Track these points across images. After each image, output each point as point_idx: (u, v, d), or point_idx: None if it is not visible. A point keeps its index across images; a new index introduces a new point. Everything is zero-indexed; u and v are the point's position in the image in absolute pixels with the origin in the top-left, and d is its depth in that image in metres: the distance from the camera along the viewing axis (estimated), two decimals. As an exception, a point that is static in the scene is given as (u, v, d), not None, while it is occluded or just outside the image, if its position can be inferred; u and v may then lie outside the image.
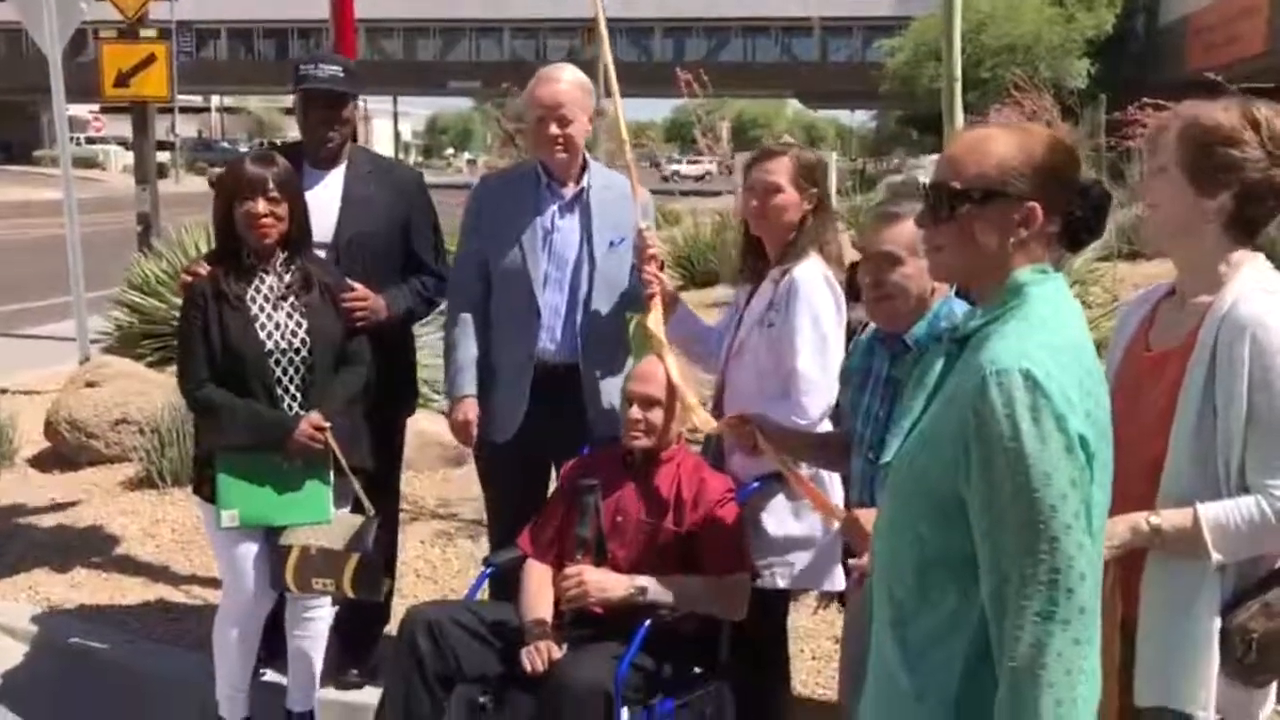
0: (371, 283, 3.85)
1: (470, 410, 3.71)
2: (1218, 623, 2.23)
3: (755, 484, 3.34)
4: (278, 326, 3.57)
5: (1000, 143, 1.92)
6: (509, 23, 64.73)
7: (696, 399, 3.39)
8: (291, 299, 3.61)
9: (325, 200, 3.91)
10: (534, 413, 3.70)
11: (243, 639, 3.68)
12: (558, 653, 3.13)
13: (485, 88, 45.60)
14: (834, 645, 4.13)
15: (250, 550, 3.59)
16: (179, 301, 3.88)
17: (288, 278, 3.62)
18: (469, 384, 3.73)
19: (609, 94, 4.17)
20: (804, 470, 3.20)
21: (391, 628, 3.94)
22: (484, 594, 3.65)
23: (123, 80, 9.51)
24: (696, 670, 3.28)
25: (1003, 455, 1.75)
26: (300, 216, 3.63)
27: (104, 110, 55.48)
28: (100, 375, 6.92)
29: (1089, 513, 1.77)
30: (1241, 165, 2.24)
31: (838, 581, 3.38)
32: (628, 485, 3.34)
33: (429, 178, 4.69)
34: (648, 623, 3.11)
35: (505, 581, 3.53)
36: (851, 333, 3.33)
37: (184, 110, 62.59)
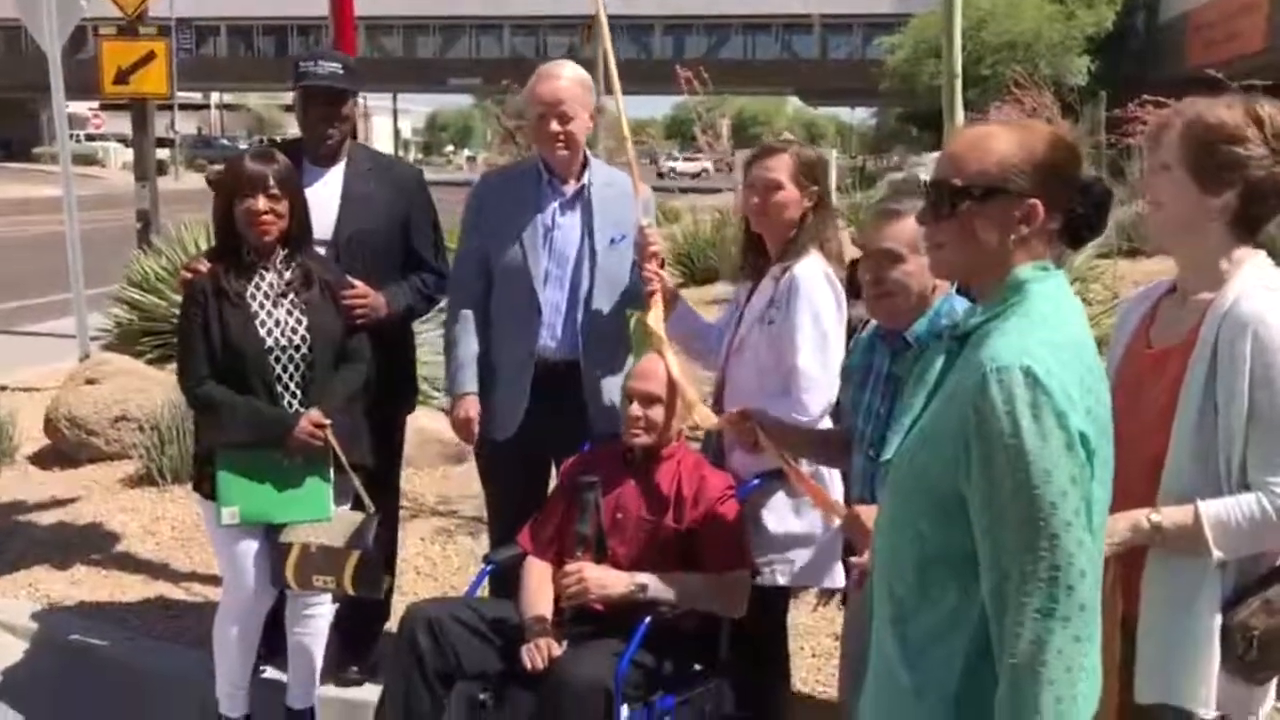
0: (371, 280, 3.85)
1: (471, 407, 3.71)
2: (1219, 620, 2.23)
3: (755, 481, 3.34)
4: (278, 324, 3.57)
5: (1001, 140, 1.93)
6: (509, 19, 64.71)
7: (697, 395, 3.39)
8: (291, 296, 3.60)
9: (325, 197, 3.91)
10: (534, 410, 3.70)
11: (243, 636, 3.68)
12: (558, 650, 3.13)
13: (485, 85, 45.65)
14: (834, 642, 4.13)
15: (250, 547, 3.59)
16: (179, 299, 3.88)
17: (288, 275, 3.62)
18: (470, 381, 3.73)
19: (609, 91, 4.17)
20: (804, 467, 3.19)
21: (392, 625, 3.95)
22: (484, 591, 3.65)
23: (122, 77, 9.51)
24: (696, 667, 3.28)
25: (1003, 452, 1.76)
26: (300, 213, 3.63)
27: (103, 107, 55.42)
28: (100, 372, 6.92)
29: (1089, 510, 1.77)
30: (1245, 163, 2.24)
31: (838, 579, 3.38)
32: (628, 482, 3.33)
33: (429, 175, 4.69)
34: (648, 620, 3.11)
35: (505, 579, 3.53)
36: (852, 330, 3.33)
37: (184, 107, 62.58)
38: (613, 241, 3.73)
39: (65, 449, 6.65)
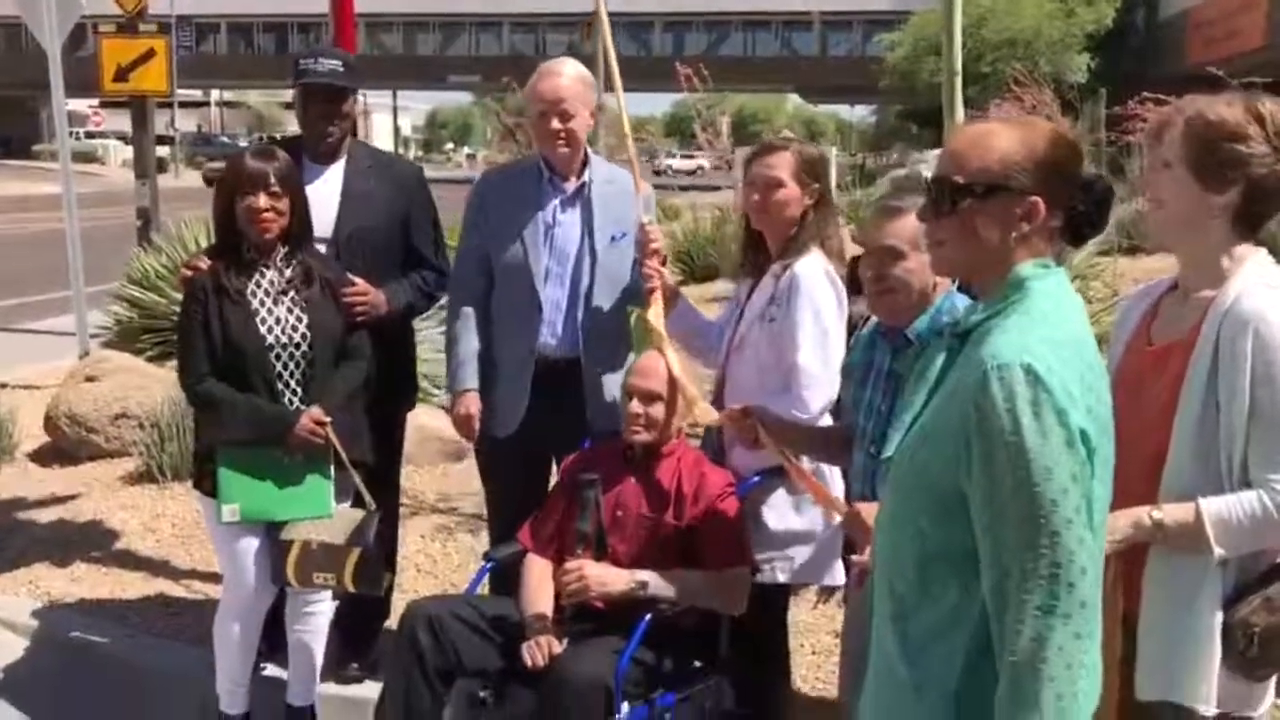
0: (371, 278, 3.85)
1: (472, 404, 3.72)
2: (1220, 617, 2.23)
3: (756, 478, 3.34)
4: (278, 321, 3.57)
5: (1003, 137, 1.92)
6: (508, 17, 64.70)
7: (698, 392, 3.39)
8: (292, 294, 3.60)
9: (325, 195, 3.91)
10: (535, 407, 3.70)
11: (243, 634, 3.68)
12: (558, 647, 3.13)
13: (485, 82, 45.57)
14: (834, 640, 4.13)
15: (251, 545, 3.59)
16: (179, 296, 3.88)
17: (288, 272, 3.62)
18: (471, 378, 3.73)
19: (610, 88, 4.17)
20: (805, 464, 3.19)
21: (392, 622, 3.95)
22: (484, 588, 3.65)
23: (122, 75, 9.51)
24: (697, 664, 3.28)
25: (1004, 450, 1.76)
26: (301, 211, 3.63)
27: (103, 105, 55.46)
28: (100, 370, 6.92)
29: (1090, 507, 1.77)
30: (1247, 160, 2.24)
31: (838, 576, 3.38)
32: (628, 480, 3.33)
33: (429, 172, 4.69)
34: (648, 617, 3.11)
35: (505, 576, 3.53)
36: (853, 327, 3.33)
37: (183, 105, 62.56)
38: (613, 239, 3.73)
39: (65, 446, 6.65)
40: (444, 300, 4.12)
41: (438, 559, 5.12)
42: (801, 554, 3.35)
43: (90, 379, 6.82)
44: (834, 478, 3.32)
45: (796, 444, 3.15)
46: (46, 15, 8.51)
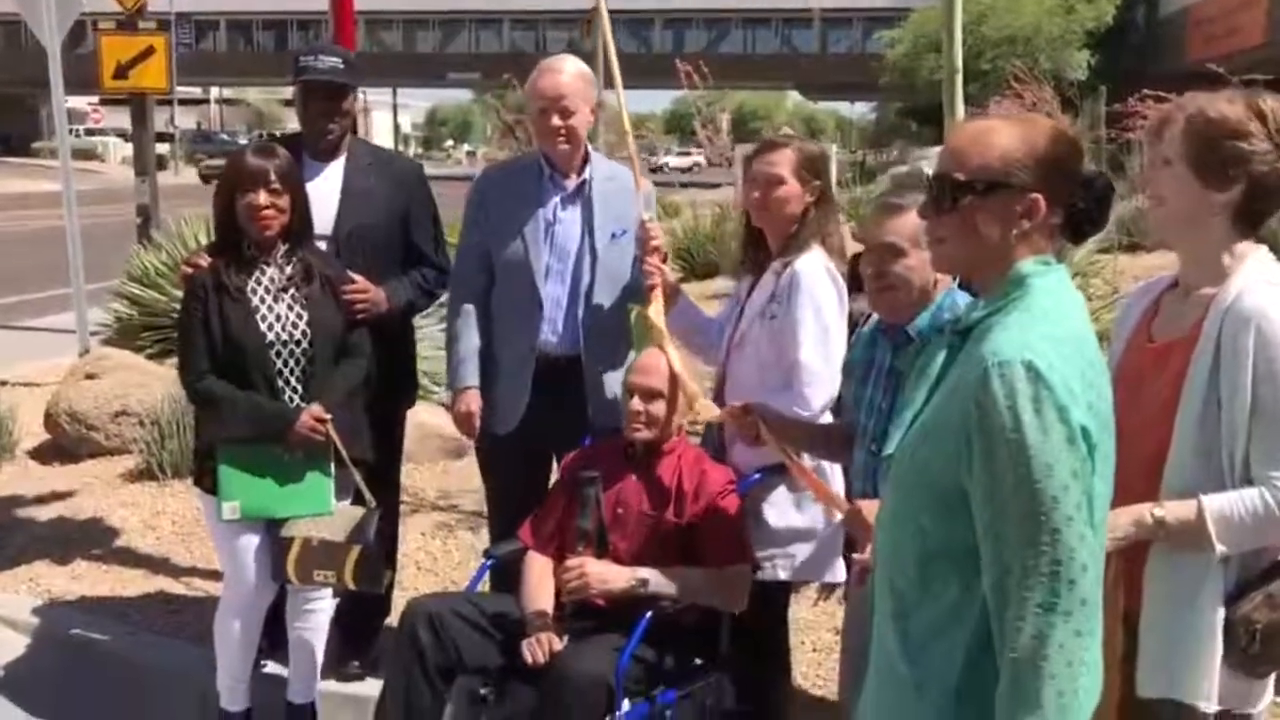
0: (372, 275, 3.85)
1: (473, 401, 3.72)
2: (1221, 614, 2.23)
3: (756, 476, 3.34)
4: (278, 318, 3.57)
5: (1003, 134, 1.92)
6: (508, 14, 64.68)
7: (698, 389, 3.39)
8: (292, 291, 3.60)
9: (325, 192, 3.91)
10: (535, 404, 3.70)
11: (244, 631, 3.68)
12: (559, 644, 3.13)
13: (485, 79, 45.53)
14: (834, 637, 4.13)
15: (251, 542, 3.59)
16: (179, 293, 3.89)
17: (289, 269, 3.62)
18: (471, 375, 3.73)
19: (610, 85, 4.16)
20: (806, 462, 3.19)
21: (392, 619, 3.95)
22: (485, 586, 3.66)
23: (122, 72, 9.50)
24: (697, 662, 3.28)
25: (1005, 447, 1.76)
26: (301, 208, 3.63)
27: (103, 102, 55.50)
28: (100, 367, 6.92)
29: (1091, 504, 1.77)
30: (1249, 158, 2.24)
31: (839, 573, 3.38)
32: (629, 477, 3.33)
33: (428, 169, 4.69)
34: (649, 614, 3.11)
35: (506, 573, 3.53)
36: (853, 324, 3.33)
37: (183, 102, 62.61)
38: (614, 236, 3.73)
39: (65, 444, 6.65)
40: (444, 297, 4.11)
41: (438, 556, 5.12)
42: (802, 551, 3.35)
43: (90, 376, 6.82)
44: (835, 475, 3.32)
45: (797, 441, 3.15)
46: (46, 13, 8.50)
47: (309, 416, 3.52)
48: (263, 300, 3.57)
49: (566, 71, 3.69)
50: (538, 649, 3.11)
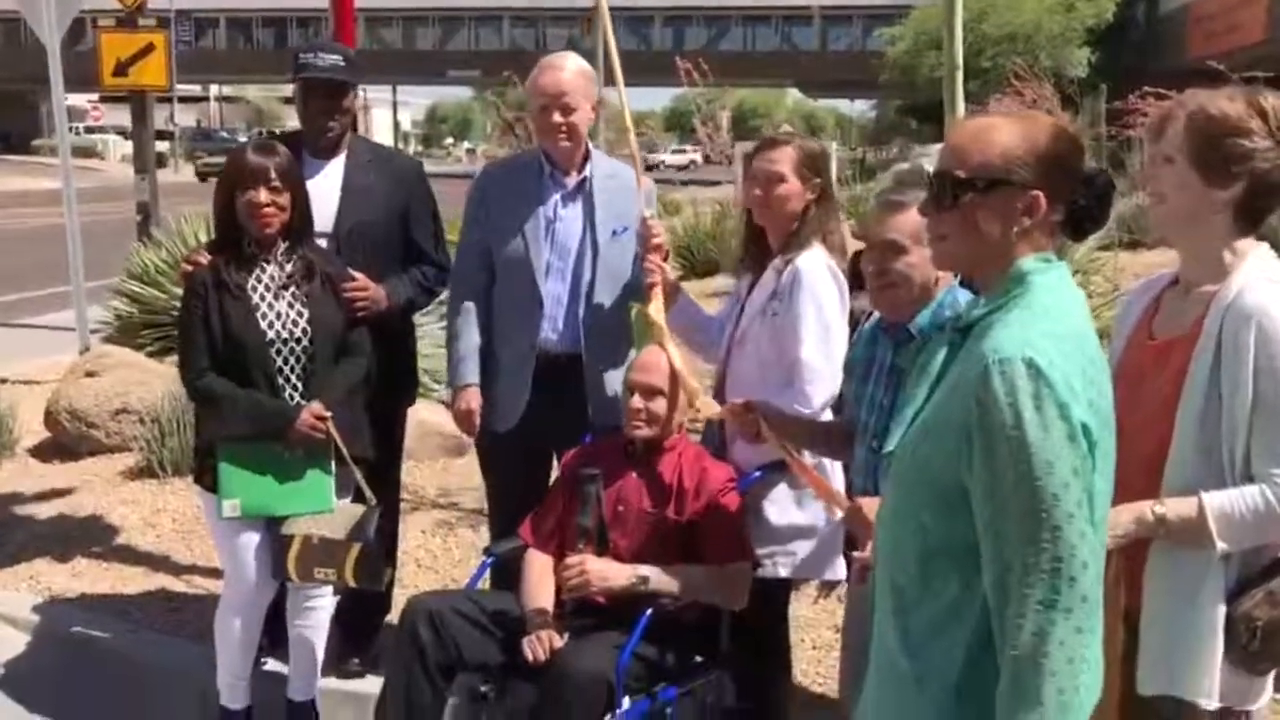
0: (372, 272, 3.85)
1: (473, 399, 3.72)
2: (1222, 611, 2.23)
3: (757, 473, 3.34)
4: (279, 316, 3.57)
5: (1004, 131, 1.92)
6: (508, 11, 64.66)
7: (699, 386, 3.39)
8: (293, 288, 3.60)
9: (325, 190, 3.91)
10: (536, 402, 3.70)
11: (244, 628, 3.68)
12: (559, 642, 3.13)
13: (484, 77, 45.57)
14: (835, 635, 4.13)
15: (252, 540, 3.59)
16: (179, 291, 3.89)
17: (289, 267, 3.62)
18: (471, 373, 3.73)
19: (611, 82, 4.16)
20: (807, 459, 3.19)
21: (393, 617, 3.95)
22: (485, 583, 3.66)
23: (121, 69, 9.50)
24: (698, 659, 3.28)
25: (1005, 444, 1.76)
26: (302, 206, 3.63)
27: (103, 99, 55.48)
28: (100, 365, 6.92)
29: (1091, 501, 1.77)
30: (1251, 155, 2.24)
31: (839, 571, 3.38)
32: (629, 474, 3.33)
33: (428, 167, 4.69)
34: (649, 612, 3.11)
35: (506, 571, 3.53)
36: (854, 322, 3.33)
37: (183, 99, 62.58)
38: (614, 234, 3.73)
39: (66, 442, 6.65)
40: (444, 295, 4.11)
41: (438, 554, 5.12)
42: (803, 549, 3.35)
43: (90, 374, 6.82)
44: (835, 472, 3.32)
45: (798, 439, 3.15)
46: (45, 10, 8.50)
47: (309, 414, 3.52)
48: (263, 298, 3.57)
49: (568, 69, 3.69)
50: (538, 646, 3.11)
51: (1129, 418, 2.05)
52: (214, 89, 74.93)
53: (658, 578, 3.17)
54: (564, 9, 56.36)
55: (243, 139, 33.46)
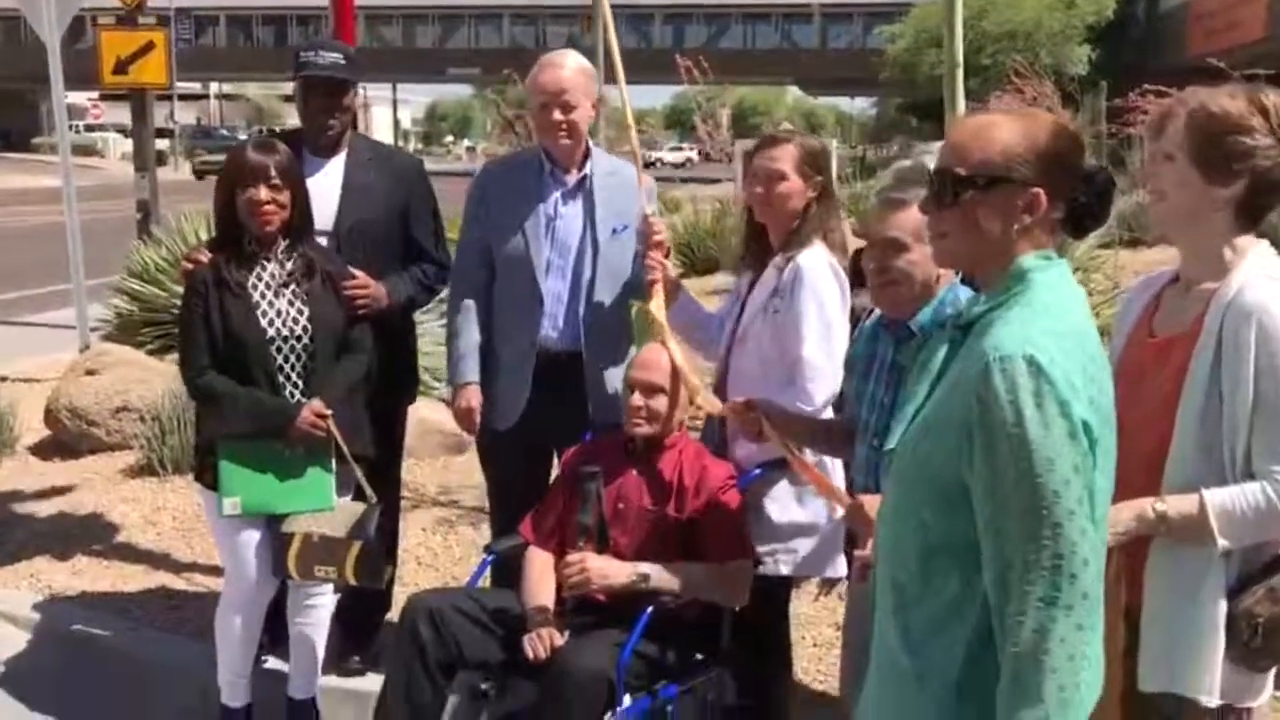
0: (372, 270, 3.85)
1: (473, 397, 3.72)
2: (1223, 608, 2.23)
3: (757, 471, 3.34)
4: (279, 314, 3.57)
5: (1004, 129, 1.92)
6: (508, 9, 64.66)
7: (700, 383, 3.39)
8: (293, 286, 3.60)
9: (326, 188, 3.91)
10: (536, 400, 3.70)
11: (245, 626, 3.68)
12: (560, 640, 3.13)
13: (484, 75, 45.55)
14: (835, 632, 4.13)
15: (252, 538, 3.59)
16: (179, 289, 3.89)
17: (289, 265, 3.62)
18: (471, 371, 3.73)
19: (611, 80, 4.16)
20: (808, 457, 3.19)
21: (393, 615, 3.94)
22: (485, 581, 3.66)
23: (121, 67, 9.50)
24: (698, 657, 3.28)
25: (1006, 441, 1.76)
26: (302, 204, 3.62)
27: (103, 97, 55.44)
28: (100, 363, 6.92)
29: (1092, 499, 1.77)
30: (1251, 152, 2.24)
31: (840, 569, 3.38)
32: (630, 472, 3.33)
33: (428, 165, 4.69)
34: (650, 610, 3.11)
35: (507, 569, 3.53)
36: (855, 319, 3.33)
37: (183, 97, 62.57)
38: (615, 232, 3.73)
39: (66, 440, 6.65)
40: (445, 293, 4.11)
41: (439, 552, 5.12)
42: (804, 546, 3.35)
43: (91, 372, 6.82)
44: (836, 471, 3.32)
45: (799, 437, 3.15)
46: (45, 8, 8.50)
47: (310, 412, 3.52)
48: (263, 296, 3.57)
49: (568, 66, 3.69)
50: (539, 644, 3.11)
51: (1129, 415, 2.05)
52: (214, 87, 74.90)
53: (658, 575, 3.17)
54: (564, 6, 56.37)
55: (243, 137, 33.47)
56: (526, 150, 4.14)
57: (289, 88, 4.15)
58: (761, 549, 3.30)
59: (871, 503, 2.50)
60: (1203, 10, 28.52)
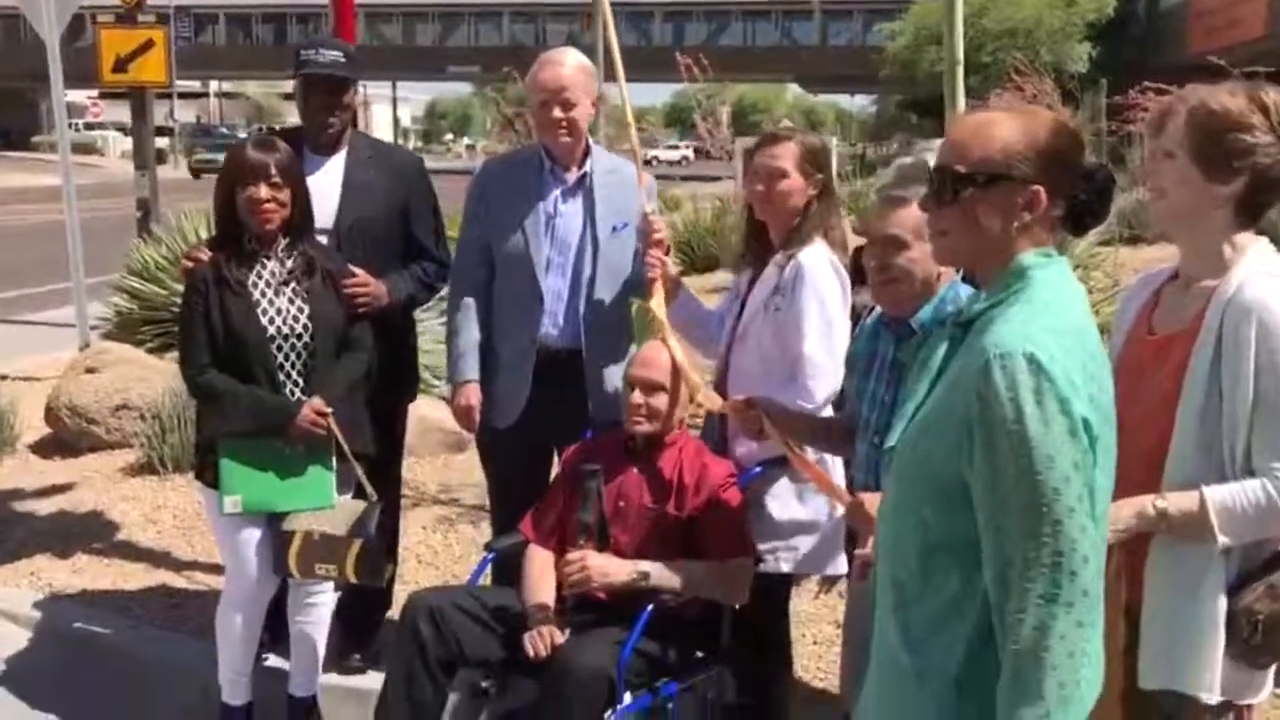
0: (372, 268, 3.85)
1: (473, 395, 3.71)
2: (1223, 605, 2.23)
3: (757, 469, 3.34)
4: (280, 312, 3.57)
5: (1004, 126, 1.92)
6: (508, 7, 64.65)
7: (701, 380, 3.39)
8: (293, 284, 3.60)
9: (326, 186, 3.90)
10: (536, 398, 3.70)
11: (245, 624, 3.68)
12: (560, 638, 3.13)
13: (484, 73, 45.52)
14: (835, 630, 4.14)
15: (253, 536, 3.60)
16: (179, 287, 3.89)
17: (289, 263, 3.62)
18: (471, 369, 3.73)
19: (611, 78, 4.16)
20: (809, 455, 3.19)
21: (394, 613, 3.95)
22: (486, 579, 3.66)
23: (121, 65, 9.50)
24: (699, 654, 3.29)
25: (1006, 438, 1.76)
26: (302, 202, 3.62)
27: (102, 96, 55.43)
28: (100, 361, 6.91)
29: (1092, 496, 1.77)
30: (1252, 150, 2.24)
31: (840, 566, 3.39)
32: (630, 470, 3.33)
33: (428, 163, 4.68)
34: (650, 607, 3.11)
35: (507, 567, 3.54)
36: (856, 317, 3.33)
37: (182, 96, 62.54)
38: (615, 229, 3.73)
39: (66, 438, 6.65)
40: (445, 291, 4.11)
41: (439, 550, 5.12)
42: (804, 544, 3.35)
43: (91, 370, 6.82)
44: (836, 468, 3.32)
45: (800, 434, 3.15)
46: (45, 6, 8.49)
47: (310, 410, 3.52)
48: (264, 294, 3.57)
49: (568, 64, 3.68)
50: (539, 642, 3.11)
51: (1129, 412, 2.05)
52: (214, 85, 74.82)
53: (659, 573, 3.17)
54: (564, 4, 56.37)
55: (242, 135, 33.41)
56: (526, 148, 4.14)
57: (289, 86, 4.15)
58: (762, 546, 3.31)
59: (872, 500, 2.50)
60: (1203, 8, 28.52)
